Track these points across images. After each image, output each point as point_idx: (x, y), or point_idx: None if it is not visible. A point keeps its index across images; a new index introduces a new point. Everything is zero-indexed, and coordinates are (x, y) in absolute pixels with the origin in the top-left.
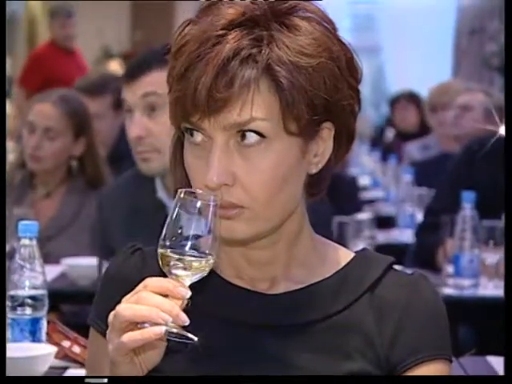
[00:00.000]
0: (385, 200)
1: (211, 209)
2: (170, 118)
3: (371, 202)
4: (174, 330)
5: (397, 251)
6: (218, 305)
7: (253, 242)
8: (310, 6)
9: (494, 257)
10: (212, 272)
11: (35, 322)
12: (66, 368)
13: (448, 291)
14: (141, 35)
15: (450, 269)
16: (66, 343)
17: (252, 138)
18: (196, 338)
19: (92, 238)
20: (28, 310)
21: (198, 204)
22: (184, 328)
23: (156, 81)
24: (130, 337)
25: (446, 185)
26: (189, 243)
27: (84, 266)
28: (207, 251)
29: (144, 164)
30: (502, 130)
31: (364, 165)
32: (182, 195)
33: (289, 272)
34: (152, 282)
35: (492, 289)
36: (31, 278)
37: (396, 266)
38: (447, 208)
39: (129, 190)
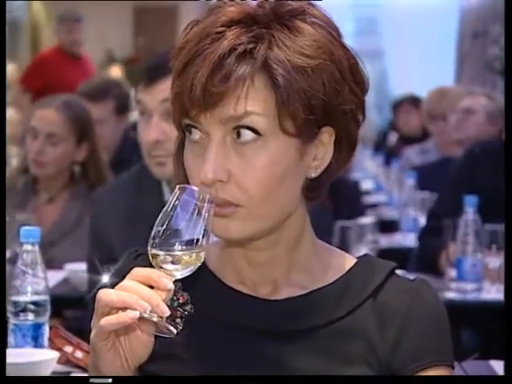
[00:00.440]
0: (388, 204)
1: (206, 204)
2: (172, 116)
3: (374, 206)
4: (154, 319)
5: (400, 255)
6: (222, 311)
7: (250, 243)
8: (316, 11)
9: (496, 261)
10: (215, 279)
11: (37, 327)
12: (68, 373)
13: (451, 295)
14: (144, 40)
15: (452, 273)
16: (69, 348)
17: (248, 135)
18: (175, 331)
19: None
20: (30, 316)
21: (189, 199)
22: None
23: None
24: (106, 320)
25: (449, 189)
26: (179, 238)
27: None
28: (197, 245)
29: (158, 168)
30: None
31: (367, 169)
32: (175, 191)
33: (290, 277)
34: (137, 271)
35: (495, 293)
36: (33, 283)
37: (398, 271)
38: (450, 212)
39: (129, 193)
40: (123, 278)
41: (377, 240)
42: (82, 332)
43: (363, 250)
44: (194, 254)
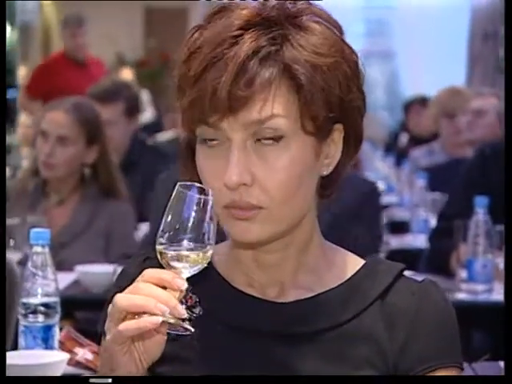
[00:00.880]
0: (399, 205)
1: (209, 202)
2: (182, 123)
3: (385, 207)
4: (171, 321)
5: (410, 256)
6: (229, 313)
7: (263, 246)
8: (316, 9)
9: None
10: (223, 281)
11: (48, 329)
12: (78, 375)
13: (461, 296)
14: (154, 42)
15: (463, 274)
16: (79, 350)
17: (270, 137)
18: (193, 329)
19: (105, 245)
20: (40, 318)
21: (195, 197)
22: (182, 321)
23: None
24: (126, 325)
25: (459, 190)
26: (186, 236)
27: (97, 273)
28: (205, 243)
29: None
30: None
31: (378, 170)
32: (179, 189)
33: (297, 278)
34: (150, 272)
35: None
36: (43, 285)
37: (407, 273)
38: (460, 213)
39: None
40: (131, 281)
41: (387, 241)
42: (93, 334)
43: None
44: (202, 253)
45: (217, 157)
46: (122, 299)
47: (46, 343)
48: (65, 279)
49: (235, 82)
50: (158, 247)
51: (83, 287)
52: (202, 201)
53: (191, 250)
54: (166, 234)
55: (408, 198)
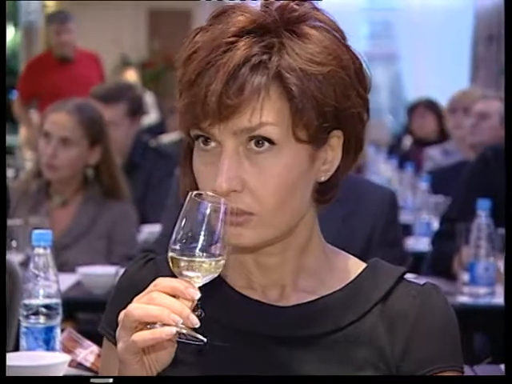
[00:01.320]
0: (401, 208)
1: (221, 210)
2: (179, 125)
3: None
4: (184, 331)
5: (413, 259)
6: (231, 316)
7: (261, 249)
8: (319, 14)
9: None
10: (225, 284)
11: (49, 330)
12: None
13: (463, 299)
14: (158, 44)
15: (465, 277)
16: (81, 352)
17: (261, 144)
18: (205, 339)
19: (107, 247)
20: (42, 319)
21: (208, 206)
22: (194, 330)
23: None
24: (140, 336)
25: (462, 193)
26: (199, 245)
27: (99, 274)
28: (217, 253)
29: None
30: None
31: (381, 172)
32: (192, 197)
33: (298, 282)
34: (163, 281)
35: None
36: (45, 286)
37: (408, 276)
38: (463, 216)
39: None
40: (133, 283)
41: None
42: (95, 335)
43: None
44: (214, 262)
45: (211, 161)
46: (135, 309)
47: (48, 345)
48: (67, 281)
49: (225, 89)
50: (171, 254)
51: (85, 289)
52: (215, 209)
53: (204, 258)
54: (179, 243)
55: (411, 201)
